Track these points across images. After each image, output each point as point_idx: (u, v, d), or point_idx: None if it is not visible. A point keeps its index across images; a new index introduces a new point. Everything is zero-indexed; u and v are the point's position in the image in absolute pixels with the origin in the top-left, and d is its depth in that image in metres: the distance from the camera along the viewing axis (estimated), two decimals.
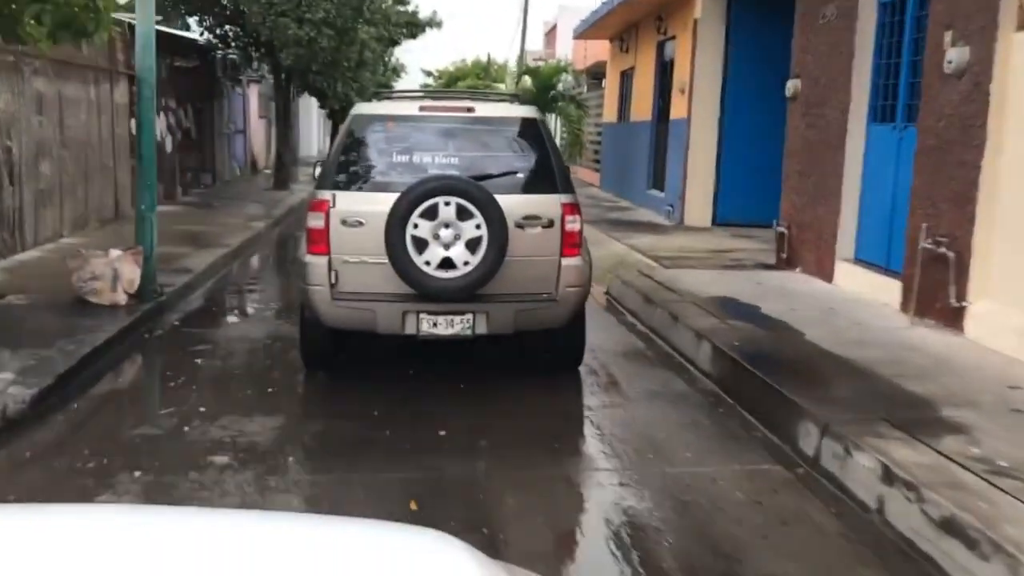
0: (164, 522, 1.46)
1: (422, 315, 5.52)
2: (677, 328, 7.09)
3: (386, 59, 44.86)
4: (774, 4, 11.87)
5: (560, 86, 17.41)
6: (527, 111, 6.15)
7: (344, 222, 5.50)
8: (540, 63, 47.79)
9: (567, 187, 5.76)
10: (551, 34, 54.34)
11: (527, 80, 17.74)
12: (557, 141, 14.08)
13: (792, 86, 9.76)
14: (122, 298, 7.30)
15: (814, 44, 9.29)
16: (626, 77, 20.16)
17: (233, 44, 18.82)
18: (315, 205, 5.59)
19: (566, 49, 45.69)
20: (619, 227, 13.92)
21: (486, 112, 6.01)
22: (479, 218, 5.31)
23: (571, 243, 5.64)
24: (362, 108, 6.11)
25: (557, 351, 6.21)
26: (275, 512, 1.77)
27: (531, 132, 5.90)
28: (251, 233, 12.41)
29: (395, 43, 32.20)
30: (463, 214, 5.33)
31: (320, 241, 5.52)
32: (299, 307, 6.04)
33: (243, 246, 11.53)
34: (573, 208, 5.68)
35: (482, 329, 5.58)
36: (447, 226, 5.35)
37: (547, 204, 5.62)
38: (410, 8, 31.62)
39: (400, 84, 47.95)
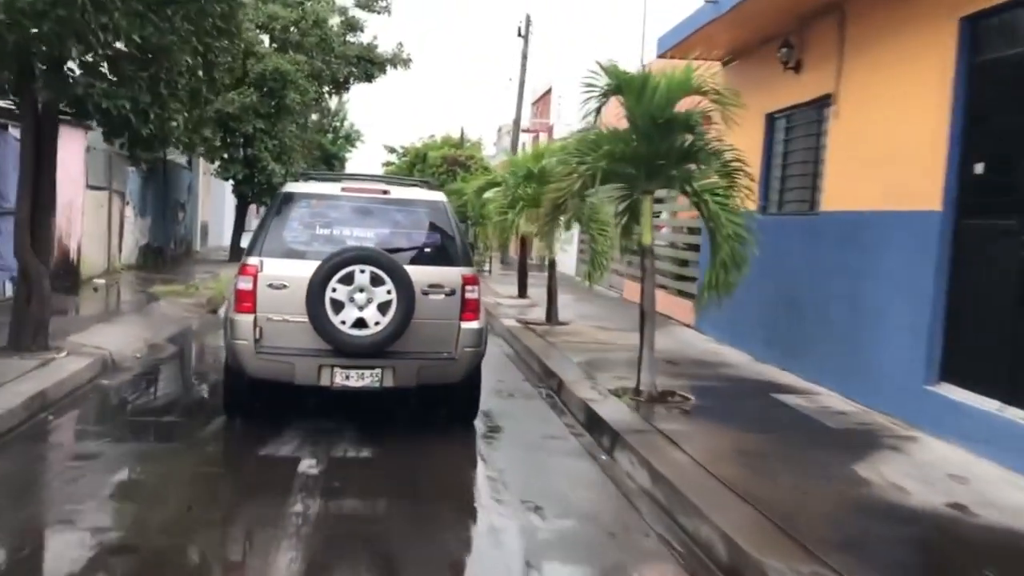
0: None
1: (336, 368, 6.18)
2: None
3: (333, 116, 35.05)
4: None
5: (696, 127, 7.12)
6: (435, 195, 7.05)
7: (270, 285, 6.16)
8: (532, 133, 38.16)
9: (467, 261, 6.68)
10: (542, 102, 45.34)
11: (599, 120, 7.42)
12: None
13: None
14: None
15: None
16: (783, 123, 10.04)
17: None
18: (244, 269, 6.23)
19: (567, 116, 36.42)
20: None
21: (399, 195, 6.92)
22: (390, 284, 6.05)
23: (470, 309, 6.43)
24: (291, 187, 6.92)
25: (454, 406, 6.98)
26: None
27: (438, 213, 6.79)
28: None
29: (341, 86, 22.12)
30: (376, 281, 6.06)
31: (247, 301, 6.13)
32: (224, 360, 6.53)
33: None
34: (472, 279, 6.50)
35: (389, 382, 6.26)
36: (361, 290, 6.04)
37: (450, 275, 6.44)
38: (364, 40, 21.64)
39: (355, 156, 38.13)
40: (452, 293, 6.37)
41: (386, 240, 6.52)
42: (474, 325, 6.46)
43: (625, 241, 8.33)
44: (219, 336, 11.31)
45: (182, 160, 21.89)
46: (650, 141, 7.31)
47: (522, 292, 15.57)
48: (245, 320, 6.13)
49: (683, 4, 11.15)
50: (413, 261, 6.39)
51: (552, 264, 12.40)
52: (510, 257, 28.32)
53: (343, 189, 6.85)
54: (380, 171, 38.97)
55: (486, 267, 23.37)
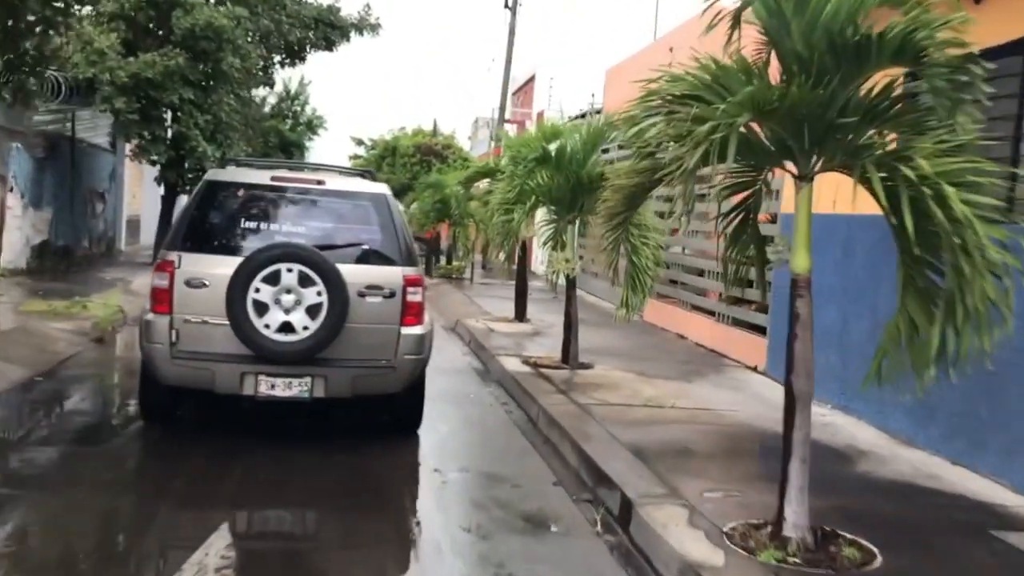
0: None
1: (260, 377, 5.60)
2: None
3: (293, 100, 31.38)
4: None
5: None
6: (377, 187, 6.39)
7: (188, 283, 5.61)
8: (513, 125, 34.69)
9: (411, 260, 6.04)
10: (524, 91, 41.76)
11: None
12: None
13: None
14: None
15: None
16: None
17: None
18: (161, 265, 5.71)
19: (559, 103, 32.87)
20: None
21: (336, 186, 6.27)
22: (320, 285, 5.50)
23: (412, 312, 5.86)
24: (215, 174, 6.27)
25: (395, 415, 6.36)
26: None
27: (380, 207, 6.12)
28: None
29: (296, 55, 18.47)
30: (305, 281, 5.50)
31: (163, 301, 5.60)
32: (140, 363, 5.93)
33: None
34: (416, 280, 5.91)
35: (320, 392, 5.69)
36: (289, 291, 5.50)
37: (390, 275, 5.85)
38: (324, 1, 18.02)
39: (319, 145, 34.59)
40: (392, 295, 5.87)
41: (319, 236, 5.96)
42: (416, 331, 5.95)
43: (745, 260, 4.92)
44: (91, 396, 7.74)
45: (101, 140, 18.17)
46: (823, 81, 3.88)
47: (520, 314, 12.10)
48: (160, 321, 5.63)
49: None
50: (348, 259, 5.88)
51: (572, 284, 8.95)
52: (492, 262, 24.88)
53: (273, 178, 6.21)
54: (347, 164, 35.60)
55: (466, 274, 19.86)
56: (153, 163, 16.28)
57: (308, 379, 5.63)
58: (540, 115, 27.69)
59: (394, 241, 6.00)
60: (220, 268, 5.53)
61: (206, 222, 6.02)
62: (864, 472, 5.71)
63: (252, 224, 5.95)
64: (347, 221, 6.23)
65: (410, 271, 5.94)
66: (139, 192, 22.00)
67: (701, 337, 10.90)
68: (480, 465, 5.88)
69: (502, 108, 23.62)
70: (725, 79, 3.97)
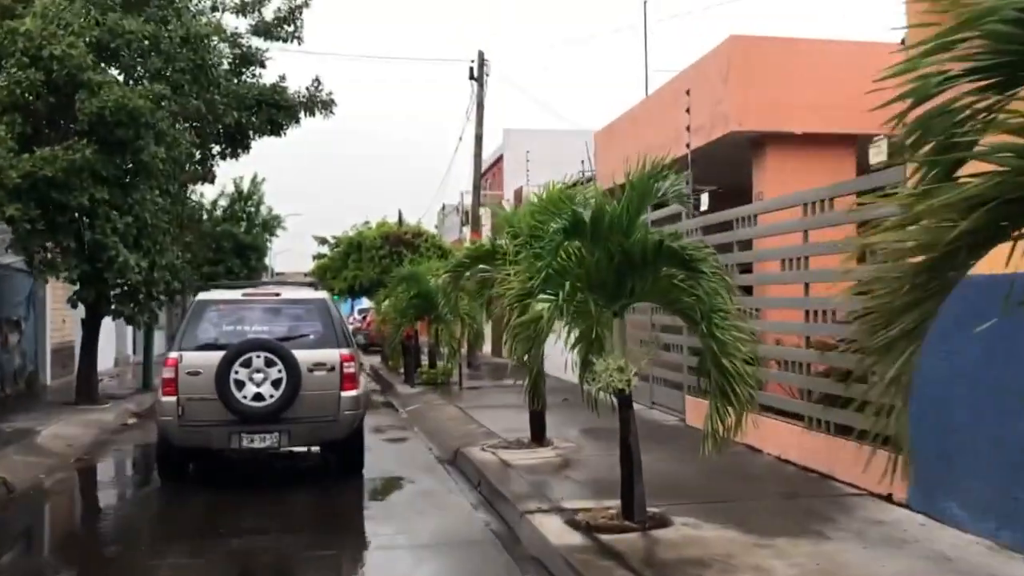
0: None
1: (243, 434, 7.99)
2: None
3: (247, 201, 28.90)
4: None
5: None
6: (318, 294, 9.30)
7: (188, 372, 8.03)
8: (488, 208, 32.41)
9: (346, 343, 8.54)
10: (492, 173, 39.69)
11: None
12: None
13: None
14: None
15: None
16: None
17: None
18: (168, 362, 8.21)
19: (537, 176, 30.75)
20: None
21: (289, 295, 9.13)
22: (280, 365, 7.91)
23: (348, 380, 8.25)
24: (203, 296, 9.01)
25: (343, 459, 8.90)
26: None
27: (321, 308, 8.77)
28: None
29: (240, 143, 15.96)
30: (269, 363, 7.92)
31: (171, 386, 8.05)
32: (157, 434, 8.55)
33: None
34: (349, 357, 8.36)
35: (286, 443, 8.21)
36: (258, 371, 7.89)
37: (330, 355, 8.29)
38: (263, 80, 15.57)
39: (281, 246, 32.11)
40: (333, 369, 8.21)
41: (278, 331, 8.41)
42: (353, 393, 8.28)
43: None
44: None
45: (14, 259, 15.38)
46: None
47: (538, 436, 9.33)
48: (170, 401, 8.02)
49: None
50: (300, 346, 8.19)
51: (628, 402, 6.25)
52: (478, 358, 22.04)
53: (244, 294, 9.12)
54: (311, 265, 33.17)
55: (454, 378, 16.92)
56: (72, 281, 13.53)
57: (277, 434, 8.02)
58: (518, 192, 25.43)
59: (331, 331, 8.48)
60: (209, 360, 7.89)
61: (198, 329, 8.40)
62: None
63: (230, 327, 8.44)
64: (298, 319, 8.63)
65: (345, 351, 8.35)
66: (69, 317, 19.06)
67: (786, 450, 8.20)
68: None
69: (476, 188, 21.30)
70: None
